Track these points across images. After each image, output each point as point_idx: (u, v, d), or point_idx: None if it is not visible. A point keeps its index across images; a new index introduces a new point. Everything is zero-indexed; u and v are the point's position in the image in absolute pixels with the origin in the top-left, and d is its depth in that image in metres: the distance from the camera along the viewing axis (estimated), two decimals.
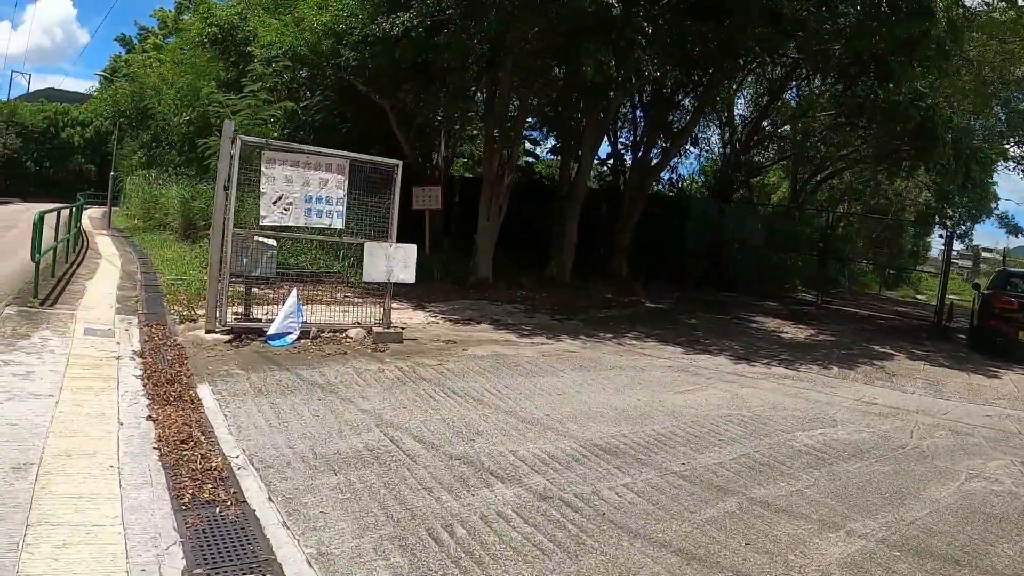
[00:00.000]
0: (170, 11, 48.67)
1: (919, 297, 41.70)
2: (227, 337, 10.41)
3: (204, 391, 7.94)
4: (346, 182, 11.24)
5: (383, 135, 20.32)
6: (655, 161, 26.02)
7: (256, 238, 10.82)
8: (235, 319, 10.82)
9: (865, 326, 21.77)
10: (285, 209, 10.69)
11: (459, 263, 19.70)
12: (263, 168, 10.54)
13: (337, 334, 11.35)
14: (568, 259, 22.10)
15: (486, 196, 18.97)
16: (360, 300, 12.38)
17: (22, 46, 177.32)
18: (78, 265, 17.49)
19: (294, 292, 10.81)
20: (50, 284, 13.69)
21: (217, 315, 10.58)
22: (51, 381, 7.66)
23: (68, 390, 7.42)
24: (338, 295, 14.54)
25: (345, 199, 11.24)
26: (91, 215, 40.51)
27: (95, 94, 35.27)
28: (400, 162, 12.03)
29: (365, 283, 11.89)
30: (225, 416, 7.16)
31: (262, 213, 10.55)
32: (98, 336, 10.02)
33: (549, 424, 7.77)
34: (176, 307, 12.51)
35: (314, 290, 12.58)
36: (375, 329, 11.48)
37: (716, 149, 37.26)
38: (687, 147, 31.31)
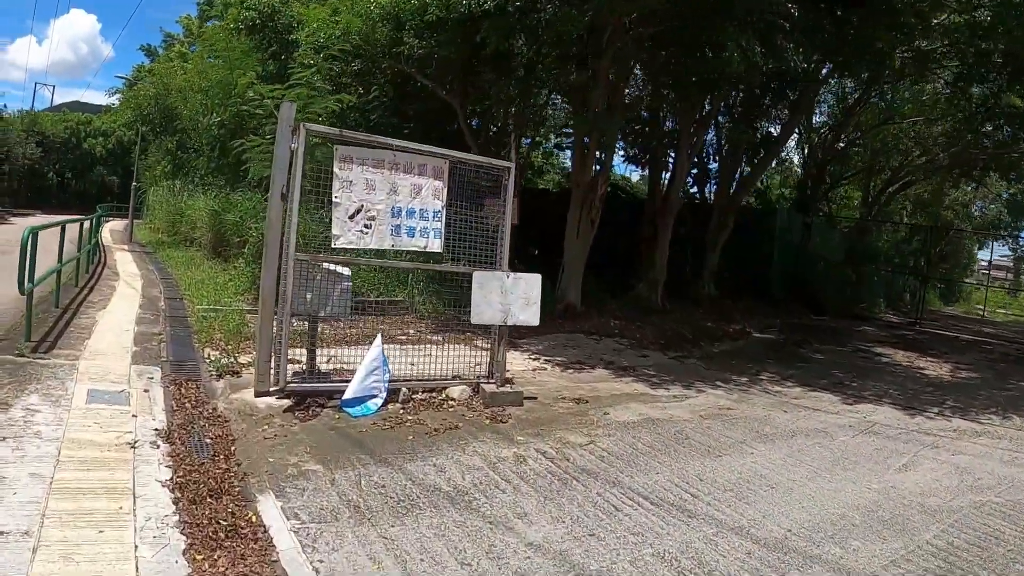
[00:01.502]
0: (195, 19, 46.27)
1: (985, 314, 38.65)
2: (286, 402, 7.53)
3: (270, 512, 5.08)
4: (445, 190, 8.39)
5: (446, 137, 17.42)
6: (746, 172, 23.00)
7: (325, 266, 7.89)
8: (296, 377, 7.86)
9: (987, 355, 19.41)
10: (366, 226, 7.75)
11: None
12: (336, 170, 7.62)
13: (434, 394, 8.50)
14: (659, 280, 19.21)
15: (575, 209, 16.11)
16: (437, 337, 9.60)
17: (48, 60, 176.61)
18: (91, 289, 14.65)
19: (378, 340, 7.87)
20: (51, 318, 10.87)
21: (272, 370, 7.66)
22: (29, 498, 4.85)
23: (55, 520, 4.59)
24: (409, 330, 11.79)
25: (444, 213, 8.33)
26: (112, 228, 38.19)
27: (116, 102, 32.79)
28: (513, 164, 9.19)
29: (440, 316, 9.00)
30: (316, 572, 4.26)
31: (335, 231, 7.62)
32: (106, 404, 7.10)
33: (802, 548, 5.30)
34: (211, 350, 9.69)
35: (379, 325, 9.80)
36: (485, 387, 8.62)
37: (795, 158, 34.37)
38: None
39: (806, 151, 30.59)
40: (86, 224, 17.26)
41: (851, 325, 22.73)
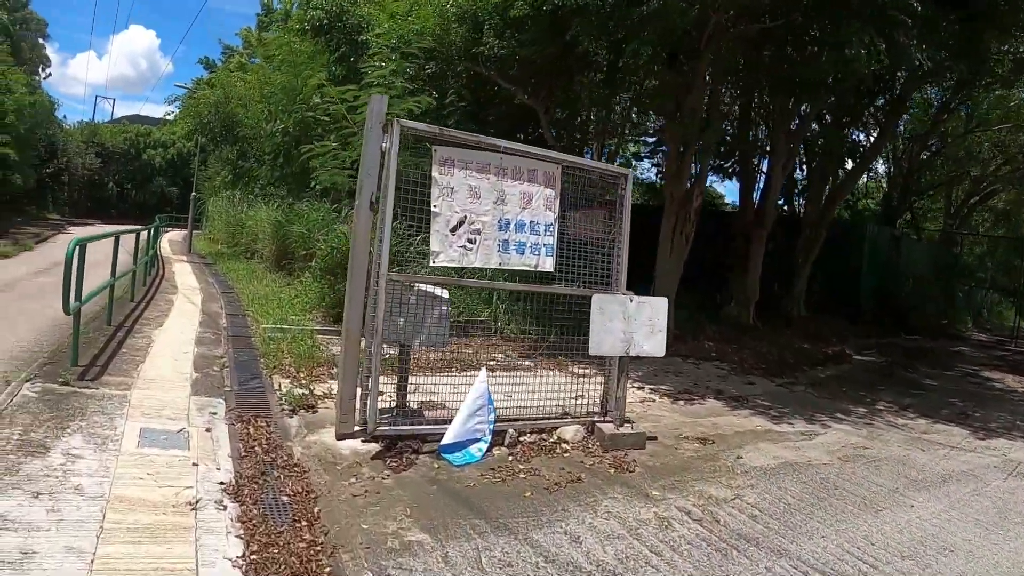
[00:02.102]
0: (254, 31, 45.85)
1: None
2: (374, 447, 6.35)
3: None
4: (557, 200, 7.15)
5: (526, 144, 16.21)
6: (837, 182, 21.52)
7: (419, 288, 6.69)
8: (384, 415, 6.65)
9: None
10: (470, 240, 6.55)
11: None
12: (435, 174, 6.43)
13: (544, 435, 7.28)
14: (752, 298, 17.85)
15: (668, 223, 14.85)
16: (526, 362, 8.44)
17: (108, 75, 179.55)
18: (147, 304, 13.66)
19: (482, 375, 6.64)
20: (102, 337, 9.85)
21: (357, 407, 6.48)
22: None
23: None
24: (497, 355, 10.62)
25: (556, 226, 7.11)
26: (171, 238, 37.76)
27: (175, 111, 32.44)
28: (630, 171, 7.95)
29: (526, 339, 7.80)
30: None
31: (434, 247, 6.41)
32: (162, 448, 5.96)
33: None
34: (281, 378, 8.58)
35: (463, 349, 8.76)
36: (601, 427, 7.40)
37: (879, 167, 32.72)
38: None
39: (891, 160, 28.96)
40: (143, 235, 16.34)
41: (946, 345, 21.77)
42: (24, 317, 11.45)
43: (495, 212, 6.69)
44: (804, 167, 23.61)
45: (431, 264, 6.45)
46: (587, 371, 8.82)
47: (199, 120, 28.20)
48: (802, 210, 22.68)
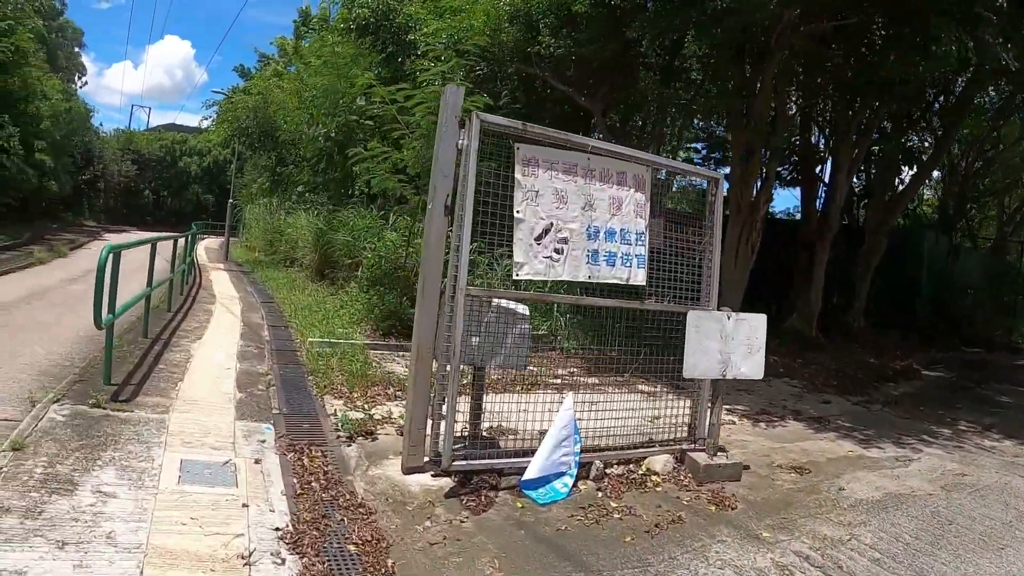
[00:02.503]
0: (289, 39, 45.39)
1: None
2: (446, 482, 5.58)
3: None
4: (647, 205, 6.34)
5: None
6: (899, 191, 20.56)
7: (497, 303, 5.91)
8: (457, 448, 5.85)
9: None
10: (556, 251, 5.76)
11: None
12: (518, 176, 5.64)
13: (631, 467, 6.49)
14: (814, 311, 16.93)
15: (734, 232, 14.07)
16: (591, 379, 7.80)
17: (145, 84, 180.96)
18: (185, 314, 12.98)
19: (568, 402, 5.85)
20: (138, 351, 9.17)
21: (427, 436, 5.71)
22: None
23: None
24: (560, 370, 9.88)
25: (647, 235, 6.31)
26: (207, 246, 37.33)
27: (212, 116, 32.05)
28: (720, 175, 7.17)
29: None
30: None
31: (517, 257, 5.62)
32: (206, 485, 5.21)
33: None
34: (333, 399, 7.84)
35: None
36: (693, 456, 6.66)
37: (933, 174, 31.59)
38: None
39: (947, 166, 27.81)
40: (180, 242, 15.69)
41: (1007, 358, 20.84)
42: (56, 328, 10.80)
43: (583, 219, 5.90)
44: (863, 174, 22.58)
45: (515, 276, 5.66)
46: (656, 389, 8.03)
47: (236, 125, 27.58)
48: (861, 219, 21.68)
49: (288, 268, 22.17)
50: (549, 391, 7.83)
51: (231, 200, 32.09)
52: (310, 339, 10.52)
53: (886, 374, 14.74)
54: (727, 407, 9.79)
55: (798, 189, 21.12)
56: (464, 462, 5.64)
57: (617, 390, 7.77)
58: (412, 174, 11.71)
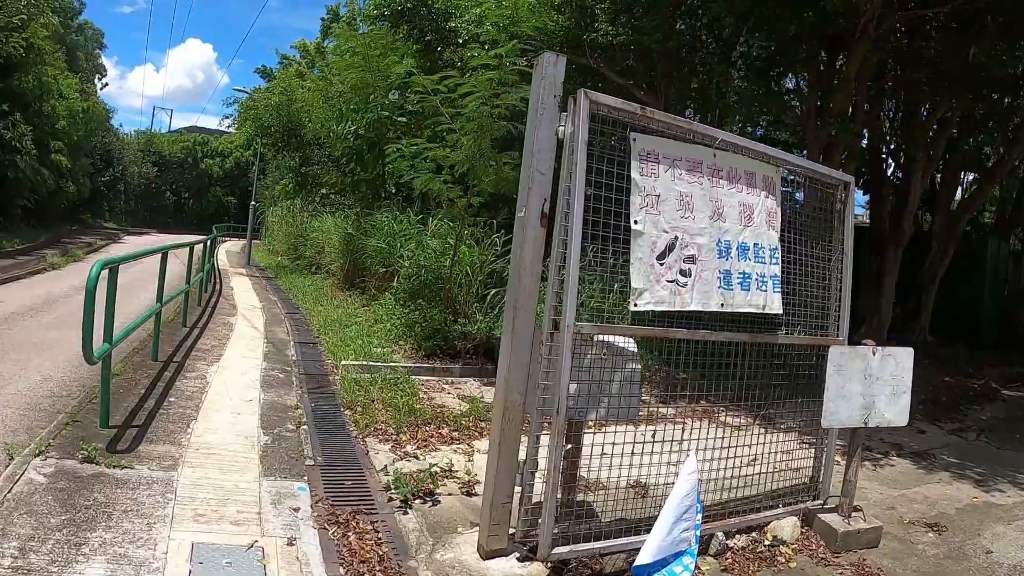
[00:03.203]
0: (311, 41, 44.29)
1: None
2: (538, 569, 4.25)
3: None
4: (778, 213, 5.00)
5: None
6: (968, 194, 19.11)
7: (601, 339, 4.56)
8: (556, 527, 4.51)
9: None
10: (683, 272, 4.43)
11: None
12: (635, 175, 4.30)
13: (755, 536, 5.24)
14: (885, 323, 15.61)
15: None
16: (666, 410, 6.48)
17: (167, 87, 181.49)
18: (202, 329, 11.76)
19: (691, 463, 4.43)
20: (145, 379, 7.93)
21: (514, 512, 4.40)
22: None
23: None
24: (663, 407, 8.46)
25: (779, 250, 4.99)
26: (228, 249, 36.33)
27: (234, 114, 30.71)
28: (851, 178, 5.84)
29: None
30: None
31: (636, 282, 4.29)
32: None
33: None
34: (377, 443, 6.59)
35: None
36: (824, 519, 5.47)
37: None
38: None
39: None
40: (198, 248, 14.39)
41: None
42: (57, 348, 9.55)
43: (712, 231, 4.58)
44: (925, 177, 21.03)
45: (633, 307, 4.29)
46: (740, 421, 6.69)
47: (259, 123, 26.28)
48: (928, 224, 20.15)
49: (314, 274, 20.92)
50: (630, 429, 6.51)
51: (253, 202, 30.88)
52: (344, 361, 9.24)
53: (966, 395, 13.49)
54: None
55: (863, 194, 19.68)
56: (566, 548, 4.31)
57: (727, 432, 6.45)
58: (458, 174, 10.39)
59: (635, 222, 4.25)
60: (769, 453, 5.71)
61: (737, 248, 4.69)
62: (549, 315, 4.12)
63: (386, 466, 5.84)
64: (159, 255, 9.34)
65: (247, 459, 5.81)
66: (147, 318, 8.37)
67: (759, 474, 5.67)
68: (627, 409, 4.63)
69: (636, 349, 4.72)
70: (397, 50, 15.38)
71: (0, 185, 27.77)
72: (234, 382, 8.38)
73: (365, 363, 9.14)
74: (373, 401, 7.73)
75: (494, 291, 11.90)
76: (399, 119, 15.52)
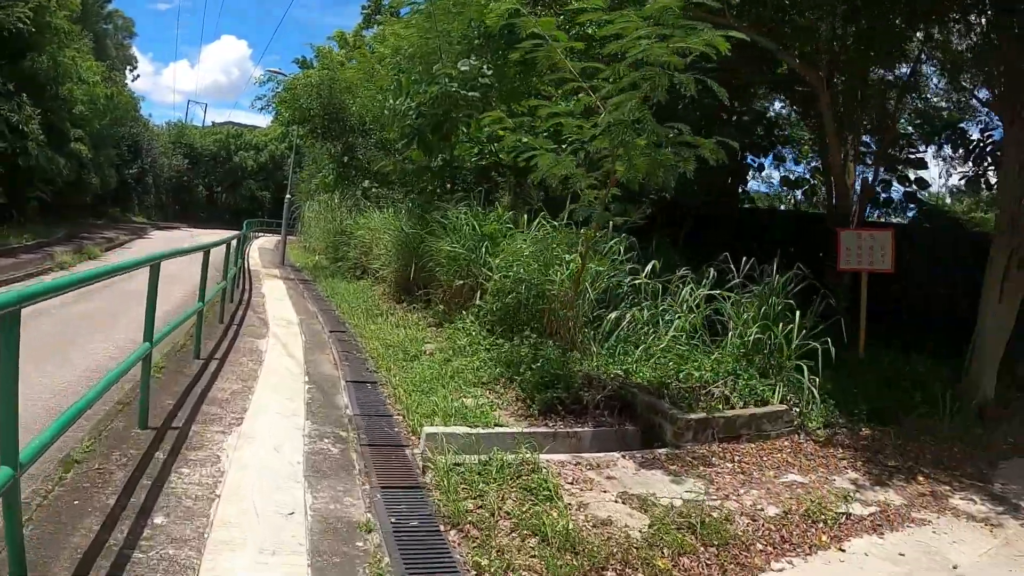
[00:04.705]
0: (348, 32, 41.25)
1: None
2: None
3: None
4: None
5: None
6: None
7: None
8: None
9: None
10: None
11: (902, 368, 9.95)
12: None
13: None
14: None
15: (999, 256, 9.51)
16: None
17: (202, 82, 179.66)
18: (223, 357, 8.74)
19: None
20: (121, 472, 4.78)
21: None
22: None
23: None
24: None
25: None
26: (262, 245, 33.62)
27: (267, 97, 27.89)
28: None
29: None
30: None
31: None
32: None
33: None
34: None
35: None
36: None
37: None
38: None
39: None
40: (218, 252, 11.26)
41: None
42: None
43: None
44: None
45: None
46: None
47: (296, 106, 23.02)
48: None
49: (359, 279, 17.78)
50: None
51: (288, 196, 27.84)
52: (428, 427, 6.07)
53: None
54: None
55: None
56: None
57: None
58: (594, 154, 7.21)
59: None
60: None
61: None
62: None
63: None
64: (148, 267, 5.75)
65: None
66: (131, 365, 5.23)
67: None
68: None
69: None
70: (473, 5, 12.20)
71: (11, 176, 24.93)
72: (263, 469, 5.25)
73: (460, 430, 6.00)
74: (494, 516, 4.59)
75: (613, 314, 8.76)
76: (471, 94, 12.40)
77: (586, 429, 6.87)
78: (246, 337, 10.33)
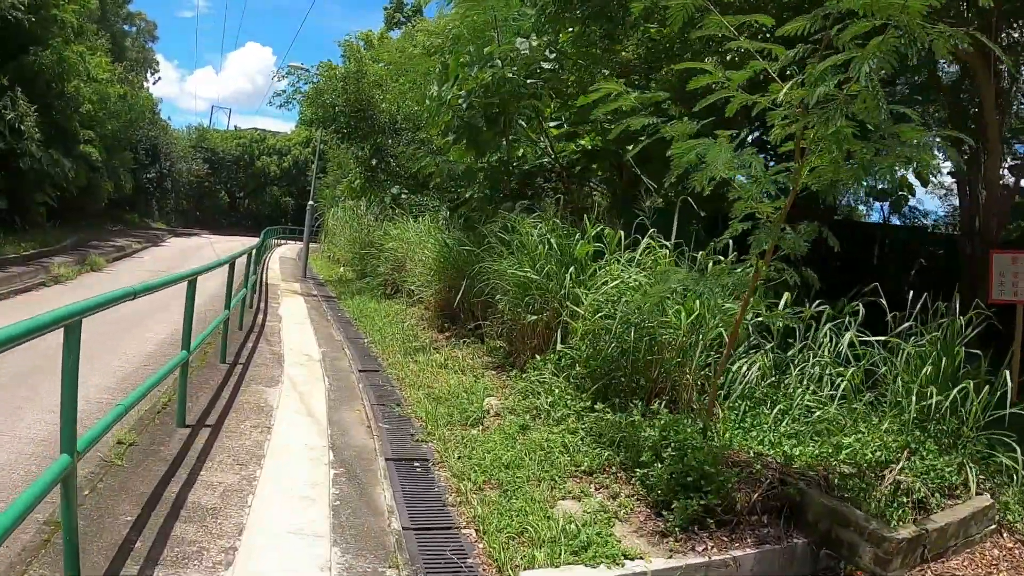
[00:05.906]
0: (374, 32, 39.42)
1: None
2: None
3: None
4: None
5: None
6: None
7: None
8: None
9: None
10: None
11: None
12: None
13: None
14: None
15: None
16: None
17: (226, 89, 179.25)
18: (217, 423, 6.46)
19: None
20: None
21: None
22: None
23: None
24: None
25: None
26: (283, 254, 31.72)
27: (287, 93, 25.91)
28: None
29: None
30: None
31: None
32: None
33: None
34: None
35: None
36: None
37: None
38: None
39: None
40: (220, 272, 9.08)
41: None
42: None
43: None
44: None
45: None
46: None
47: (321, 103, 20.84)
48: None
49: (390, 297, 15.51)
50: None
51: (311, 202, 25.68)
52: (526, 571, 3.76)
53: None
54: None
55: None
56: None
57: None
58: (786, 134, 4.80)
59: None
60: None
61: None
62: None
63: None
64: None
65: None
66: (99, 434, 2.97)
67: None
68: None
69: None
70: None
71: (12, 179, 22.83)
72: None
73: (581, 555, 3.71)
74: None
75: (738, 364, 6.45)
76: (529, 80, 10.22)
77: (747, 552, 4.57)
78: (253, 385, 8.03)
